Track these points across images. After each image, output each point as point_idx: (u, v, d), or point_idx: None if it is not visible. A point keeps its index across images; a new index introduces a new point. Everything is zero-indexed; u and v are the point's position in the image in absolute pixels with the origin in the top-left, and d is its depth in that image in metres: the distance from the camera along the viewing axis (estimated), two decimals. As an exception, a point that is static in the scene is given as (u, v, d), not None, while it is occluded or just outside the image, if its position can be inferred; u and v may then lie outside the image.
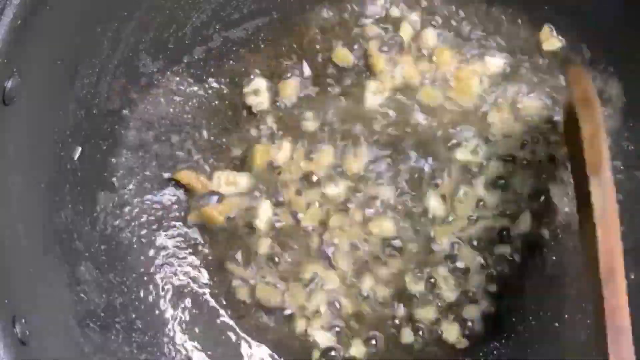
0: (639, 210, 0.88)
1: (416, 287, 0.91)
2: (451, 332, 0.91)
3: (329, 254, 0.91)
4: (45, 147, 0.79)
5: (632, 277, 0.87)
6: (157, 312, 0.90)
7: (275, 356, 0.92)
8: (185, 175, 0.92)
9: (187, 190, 0.92)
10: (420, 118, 0.92)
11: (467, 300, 0.91)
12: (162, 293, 0.91)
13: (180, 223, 0.93)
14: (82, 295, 0.83)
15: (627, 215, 0.88)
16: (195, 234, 0.93)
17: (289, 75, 0.93)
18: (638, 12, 0.86)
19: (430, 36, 0.93)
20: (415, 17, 0.93)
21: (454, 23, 0.93)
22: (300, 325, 0.92)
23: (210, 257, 0.93)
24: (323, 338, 0.92)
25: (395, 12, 0.93)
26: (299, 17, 0.93)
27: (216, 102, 0.94)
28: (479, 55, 0.92)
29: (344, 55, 0.92)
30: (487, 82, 0.92)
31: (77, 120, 0.82)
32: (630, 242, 0.88)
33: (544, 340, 0.91)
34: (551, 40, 0.92)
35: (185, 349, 0.90)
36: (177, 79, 0.92)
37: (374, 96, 0.92)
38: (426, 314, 0.91)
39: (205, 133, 0.93)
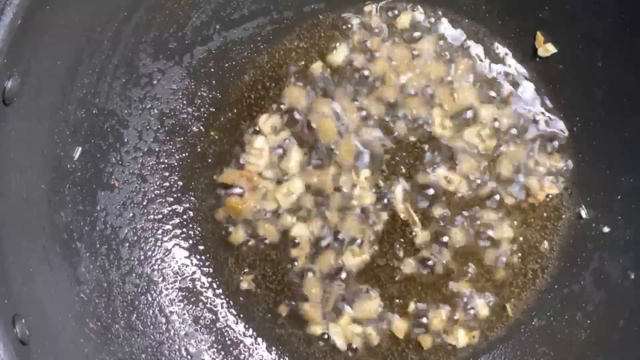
0: (639, 210, 0.88)
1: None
2: (459, 337, 0.91)
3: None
4: (45, 147, 0.79)
5: (632, 277, 0.87)
6: (157, 312, 0.90)
7: (277, 353, 0.93)
8: (229, 175, 0.92)
9: (228, 187, 0.93)
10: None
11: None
12: (162, 293, 0.91)
13: (181, 222, 0.93)
14: (82, 295, 0.82)
15: (628, 214, 0.88)
16: (196, 233, 0.93)
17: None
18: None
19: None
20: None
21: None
22: (314, 329, 0.92)
23: (211, 257, 0.93)
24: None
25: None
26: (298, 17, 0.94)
27: (216, 102, 0.94)
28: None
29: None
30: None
31: (77, 120, 0.82)
32: (631, 242, 0.88)
33: (544, 340, 0.91)
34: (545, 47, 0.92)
35: (186, 349, 0.90)
36: (178, 79, 0.92)
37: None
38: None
39: (205, 132, 0.93)
